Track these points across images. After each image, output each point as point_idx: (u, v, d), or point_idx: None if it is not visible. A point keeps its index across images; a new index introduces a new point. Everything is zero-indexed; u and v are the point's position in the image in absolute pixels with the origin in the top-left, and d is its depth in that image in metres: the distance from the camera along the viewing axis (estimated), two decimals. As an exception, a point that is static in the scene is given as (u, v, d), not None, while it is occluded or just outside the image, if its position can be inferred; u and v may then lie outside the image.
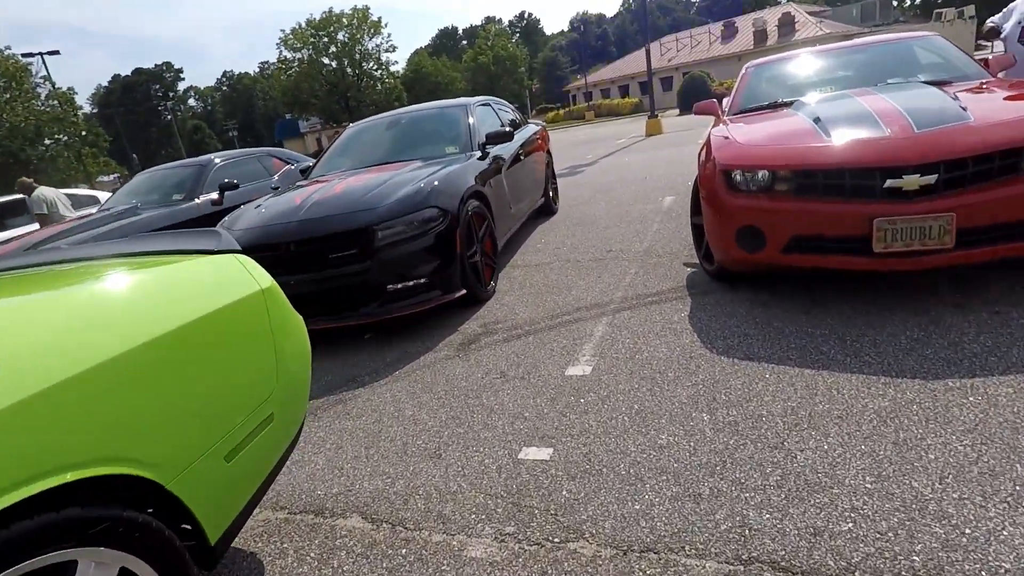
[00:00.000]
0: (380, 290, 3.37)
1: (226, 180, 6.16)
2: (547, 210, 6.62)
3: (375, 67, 48.64)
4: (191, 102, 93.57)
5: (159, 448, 1.27)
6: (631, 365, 2.70)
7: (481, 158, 4.41)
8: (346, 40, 46.35)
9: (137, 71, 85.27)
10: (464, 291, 3.62)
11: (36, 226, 7.19)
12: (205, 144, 77.99)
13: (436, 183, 3.60)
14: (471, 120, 4.71)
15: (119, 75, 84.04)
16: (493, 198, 4.29)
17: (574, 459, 2.09)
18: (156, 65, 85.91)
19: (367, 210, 3.37)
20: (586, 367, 2.76)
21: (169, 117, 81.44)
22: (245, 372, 1.57)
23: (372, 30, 47.04)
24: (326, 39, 45.98)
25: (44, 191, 7.20)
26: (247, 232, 3.51)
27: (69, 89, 34.06)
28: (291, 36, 45.97)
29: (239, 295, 1.60)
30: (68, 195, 8.09)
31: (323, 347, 3.55)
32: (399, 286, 3.38)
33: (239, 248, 1.78)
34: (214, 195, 6.16)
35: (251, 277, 1.68)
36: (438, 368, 3.04)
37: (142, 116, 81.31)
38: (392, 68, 50.71)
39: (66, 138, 32.60)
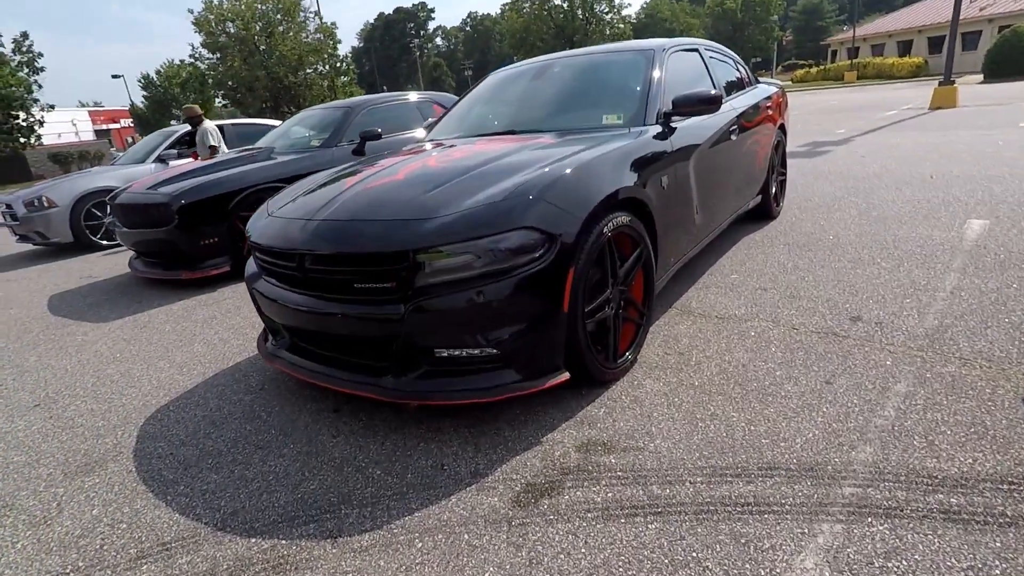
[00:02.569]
0: (422, 353, 2.03)
1: (369, 129, 5.30)
2: (763, 212, 4.57)
3: (606, 9, 46.13)
4: (438, 40, 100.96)
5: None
6: None
7: (659, 136, 2.70)
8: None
9: (397, 10, 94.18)
10: (566, 375, 2.11)
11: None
12: (441, 81, 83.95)
13: (545, 184, 2.06)
14: (656, 74, 2.97)
15: (383, 13, 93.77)
16: (662, 206, 2.60)
17: None
18: (413, 4, 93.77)
19: (414, 221, 2.00)
20: None
21: (417, 54, 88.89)
22: None
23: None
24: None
25: (210, 125, 7.16)
26: (270, 225, 2.40)
27: (332, 23, 37.94)
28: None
29: None
30: (240, 124, 8.19)
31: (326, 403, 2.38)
32: (452, 353, 2.00)
33: None
34: (354, 144, 5.38)
35: None
36: (460, 549, 1.63)
37: (395, 52, 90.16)
38: (624, 12, 47.57)
39: (322, 68, 36.77)
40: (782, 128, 4.74)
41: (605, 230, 2.18)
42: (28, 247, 7.95)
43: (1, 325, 4.31)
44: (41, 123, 32.11)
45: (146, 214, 4.67)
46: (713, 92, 2.76)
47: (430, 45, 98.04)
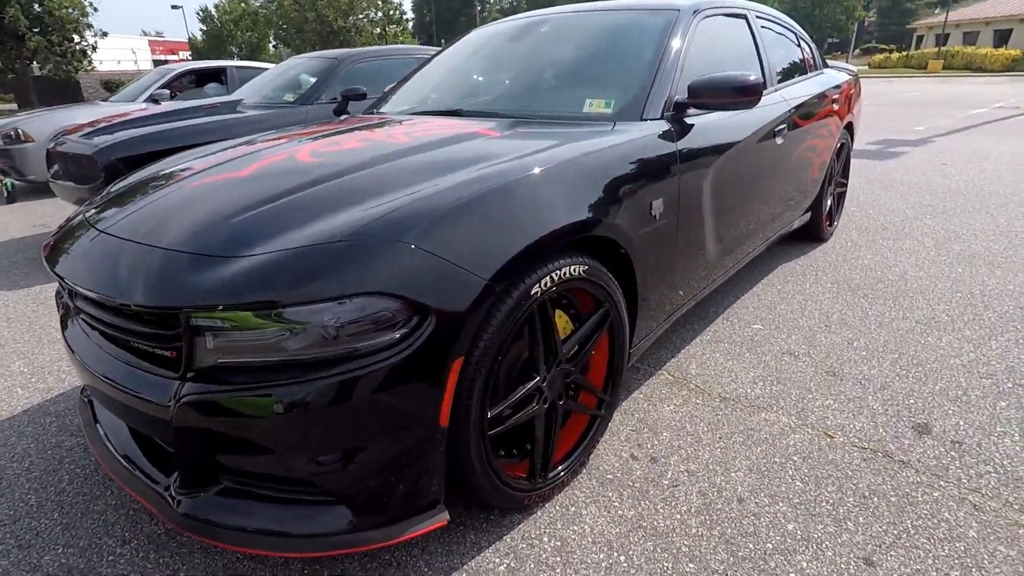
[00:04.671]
0: (198, 469, 1.29)
1: (353, 87, 4.49)
2: (810, 234, 3.62)
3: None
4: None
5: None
6: None
7: (663, 136, 1.84)
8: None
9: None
10: (444, 519, 1.33)
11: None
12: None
13: (426, 218, 1.25)
14: (674, 45, 2.07)
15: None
16: (650, 244, 1.76)
17: None
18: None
19: (199, 258, 1.23)
20: None
21: (479, 7, 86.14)
22: None
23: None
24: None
25: None
26: (66, 231, 1.67)
27: (385, -32, 36.69)
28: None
29: None
30: (246, 68, 7.46)
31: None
32: (244, 477, 1.26)
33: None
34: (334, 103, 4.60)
35: None
36: None
37: (456, 3, 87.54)
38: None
39: (374, 14, 35.73)
40: (849, 127, 3.72)
41: (537, 289, 1.37)
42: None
43: (-93, 279, 3.78)
44: (94, 48, 32.20)
45: (73, 166, 4.03)
46: (751, 78, 1.85)
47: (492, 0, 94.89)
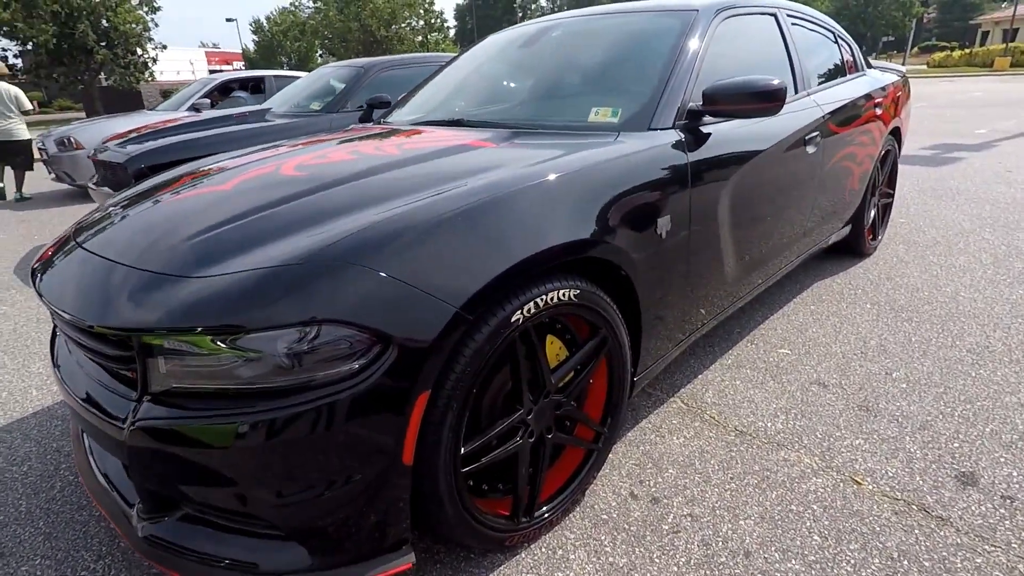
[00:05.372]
0: (154, 494, 1.23)
1: (378, 95, 4.47)
2: (852, 248, 3.37)
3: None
4: (542, 1, 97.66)
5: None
6: None
7: (676, 146, 1.70)
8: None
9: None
10: (409, 561, 1.23)
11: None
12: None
13: (393, 239, 1.15)
14: (691, 47, 1.91)
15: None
16: (655, 264, 1.62)
17: None
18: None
19: (158, 277, 1.17)
20: None
21: (520, 14, 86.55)
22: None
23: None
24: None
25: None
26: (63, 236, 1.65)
27: (427, -23, 37.25)
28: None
29: None
30: (282, 76, 7.60)
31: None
32: (200, 506, 1.19)
33: None
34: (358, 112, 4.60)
35: None
36: None
37: (498, 11, 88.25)
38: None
39: (416, 23, 36.32)
40: (896, 133, 3.45)
41: (519, 316, 1.26)
42: (64, 186, 7.89)
43: (-47, 282, 3.96)
44: (154, 60, 33.89)
45: (110, 173, 4.14)
46: (774, 82, 1.69)
47: (534, 6, 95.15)
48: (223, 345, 1.06)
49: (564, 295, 1.35)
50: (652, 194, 1.59)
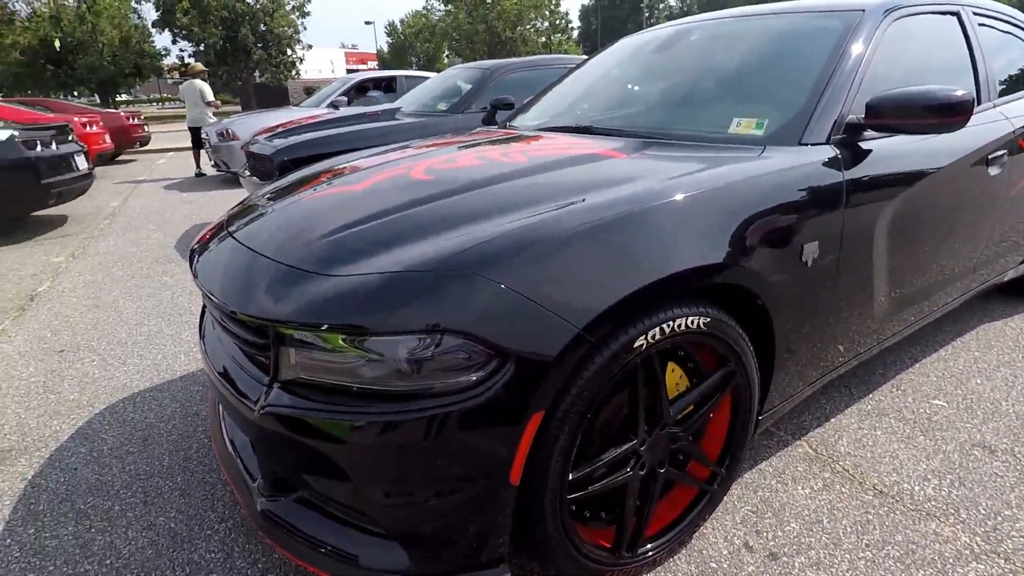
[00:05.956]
0: (276, 474, 1.30)
1: (502, 96, 4.53)
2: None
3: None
4: (671, 1, 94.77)
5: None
6: None
7: (830, 164, 1.52)
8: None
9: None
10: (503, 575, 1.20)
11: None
12: (662, 45, 78.55)
13: (519, 251, 1.12)
14: (853, 51, 1.69)
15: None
16: (796, 295, 1.46)
17: None
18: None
19: (294, 272, 1.23)
20: None
21: (646, 14, 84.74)
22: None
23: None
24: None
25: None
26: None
27: (559, -23, 37.47)
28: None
29: None
30: (412, 76, 7.95)
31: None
32: (315, 492, 1.23)
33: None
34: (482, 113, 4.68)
35: None
36: None
37: (624, 11, 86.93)
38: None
39: (540, 24, 36.74)
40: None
41: (642, 342, 1.18)
42: (220, 173, 8.84)
43: (137, 251, 4.56)
44: (301, 60, 37.26)
45: (259, 164, 4.56)
46: (958, 94, 1.46)
47: (661, 5, 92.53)
48: (349, 344, 1.09)
49: (693, 323, 1.25)
50: (800, 217, 1.43)
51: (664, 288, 1.18)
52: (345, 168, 1.91)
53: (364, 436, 1.09)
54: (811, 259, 1.46)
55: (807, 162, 1.49)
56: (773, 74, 1.88)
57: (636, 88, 2.32)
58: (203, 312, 1.81)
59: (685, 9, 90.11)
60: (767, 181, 1.41)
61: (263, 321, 1.19)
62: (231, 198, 6.77)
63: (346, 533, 1.22)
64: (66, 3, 27.67)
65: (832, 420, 2.00)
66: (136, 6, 30.93)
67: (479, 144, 2.00)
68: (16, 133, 5.00)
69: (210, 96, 8.48)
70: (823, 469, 1.76)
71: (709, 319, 1.27)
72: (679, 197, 1.28)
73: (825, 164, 1.52)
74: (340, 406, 1.11)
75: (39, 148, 5.14)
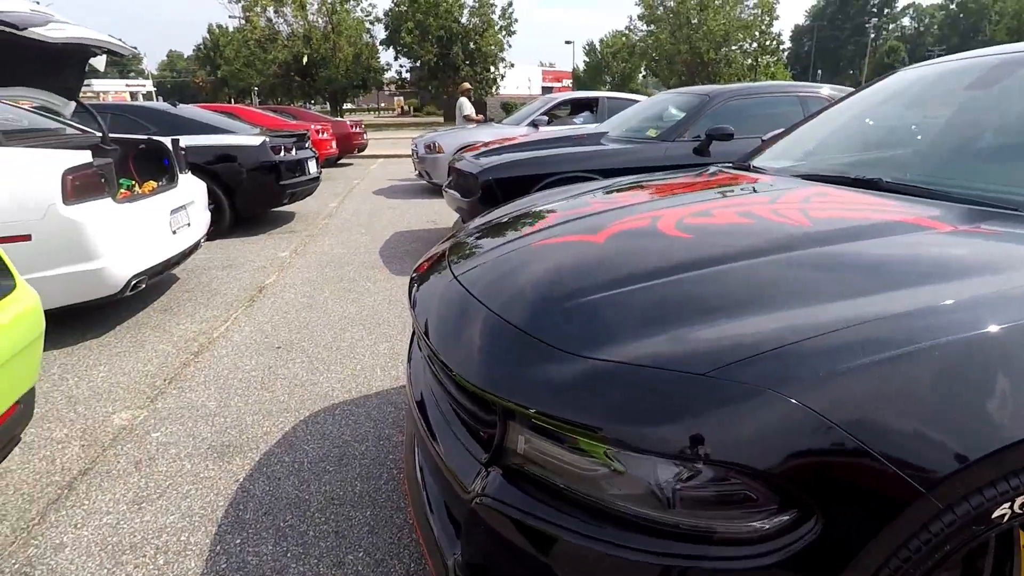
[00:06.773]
0: (475, 560, 1.12)
1: (719, 127, 4.13)
2: None
3: None
4: (904, 21, 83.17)
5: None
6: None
7: None
8: None
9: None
10: None
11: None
12: (891, 69, 68.82)
13: (827, 360, 0.79)
14: None
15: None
16: None
17: None
18: (888, -22, 78.92)
19: (530, 343, 1.02)
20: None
21: (872, 35, 75.52)
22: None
23: None
24: None
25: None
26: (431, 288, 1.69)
27: (775, -2, 34.90)
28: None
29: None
30: (614, 98, 7.74)
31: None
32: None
33: None
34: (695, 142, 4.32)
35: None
36: None
37: (845, 33, 78.26)
38: None
39: (748, 46, 34.54)
40: None
41: (1005, 510, 0.79)
42: (422, 182, 9.55)
43: (347, 252, 5.00)
44: (503, 76, 39.63)
45: (462, 180, 4.69)
46: None
47: (892, 25, 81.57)
48: (596, 451, 0.87)
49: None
50: None
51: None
52: (578, 211, 1.72)
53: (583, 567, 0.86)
54: None
55: None
56: None
57: (940, 134, 1.80)
58: (413, 337, 1.75)
59: (921, 30, 78.25)
60: None
61: (492, 396, 1.02)
62: (429, 208, 7.21)
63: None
64: (316, 24, 32.83)
65: None
66: (369, 26, 35.51)
67: (732, 192, 1.69)
68: (267, 139, 5.81)
69: (467, 110, 9.30)
70: None
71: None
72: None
73: None
74: (581, 522, 0.89)
75: (282, 153, 5.92)
